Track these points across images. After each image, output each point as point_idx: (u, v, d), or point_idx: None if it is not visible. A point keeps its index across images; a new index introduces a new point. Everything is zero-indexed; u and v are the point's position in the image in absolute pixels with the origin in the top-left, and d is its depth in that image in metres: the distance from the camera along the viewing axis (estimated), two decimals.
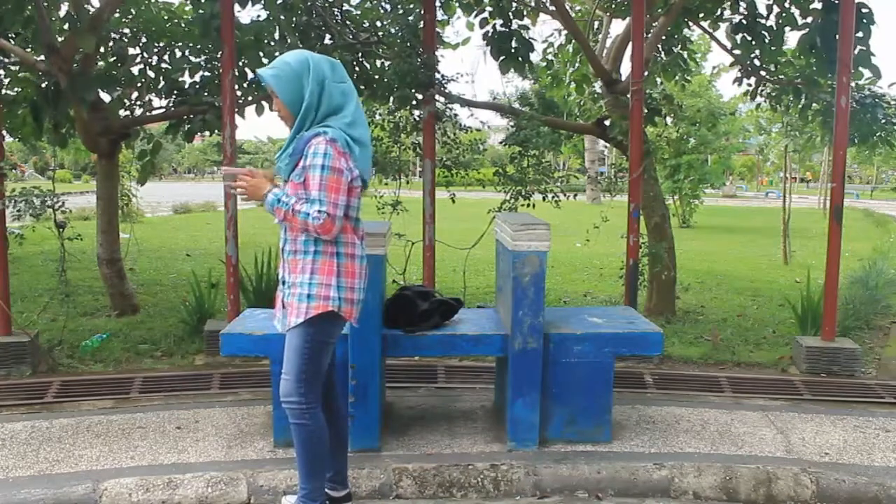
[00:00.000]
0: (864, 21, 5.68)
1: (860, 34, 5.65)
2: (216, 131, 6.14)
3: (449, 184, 6.06)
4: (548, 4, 6.85)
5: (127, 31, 6.28)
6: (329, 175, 2.70)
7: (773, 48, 6.61)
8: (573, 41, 7.50)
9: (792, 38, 6.55)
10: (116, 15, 5.96)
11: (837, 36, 5.12)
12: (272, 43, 6.11)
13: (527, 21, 6.70)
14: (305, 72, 2.79)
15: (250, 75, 6.20)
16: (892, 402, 4.49)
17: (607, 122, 6.57)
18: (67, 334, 5.37)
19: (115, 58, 6.28)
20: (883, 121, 6.79)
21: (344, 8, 6.58)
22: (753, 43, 6.67)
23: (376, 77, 6.51)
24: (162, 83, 6.38)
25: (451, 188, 6.03)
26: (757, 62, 6.92)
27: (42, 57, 5.46)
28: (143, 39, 6.29)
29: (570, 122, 8.01)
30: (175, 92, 6.35)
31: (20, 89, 6.02)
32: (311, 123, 2.82)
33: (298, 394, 2.86)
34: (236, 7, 5.44)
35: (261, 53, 5.96)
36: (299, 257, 2.82)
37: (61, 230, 5.26)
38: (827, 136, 7.59)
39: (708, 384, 4.74)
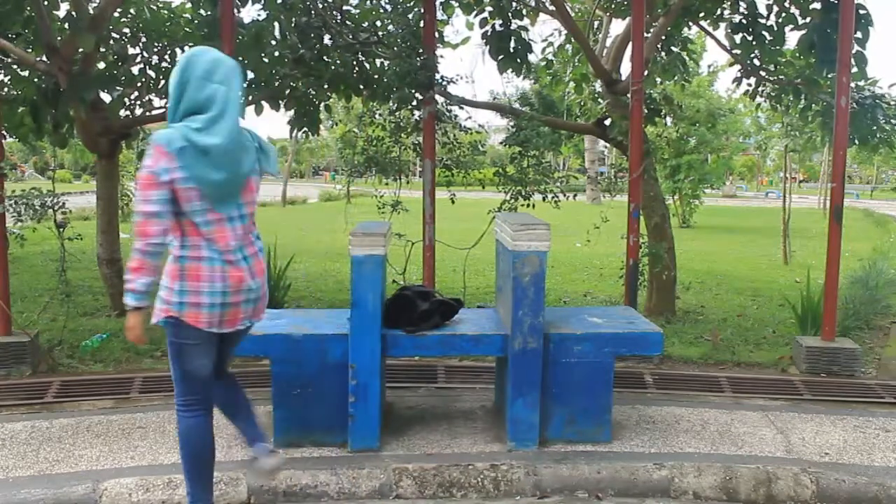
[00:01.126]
0: (863, 22, 5.68)
1: (858, 35, 5.65)
2: None
3: (449, 184, 6.06)
4: (548, 4, 6.84)
5: (127, 30, 6.28)
6: (144, 174, 2.65)
7: (773, 48, 6.61)
8: (573, 41, 7.50)
9: (792, 39, 6.57)
10: (116, 15, 5.96)
11: (836, 36, 5.12)
12: (272, 43, 6.11)
13: (526, 21, 6.70)
14: (179, 66, 2.75)
15: (250, 75, 6.20)
16: (892, 402, 4.50)
17: (607, 122, 6.57)
18: (67, 334, 5.37)
19: (115, 58, 6.28)
20: (883, 121, 6.79)
21: (344, 8, 6.58)
22: (754, 43, 6.67)
23: (376, 77, 6.51)
24: (162, 83, 6.38)
25: (451, 188, 6.03)
26: (757, 62, 6.91)
27: (42, 57, 5.46)
28: (143, 39, 6.29)
29: (570, 122, 8.01)
30: None
31: (20, 90, 6.03)
32: (172, 119, 2.75)
33: (176, 394, 2.86)
34: (236, 8, 5.45)
35: (261, 54, 5.96)
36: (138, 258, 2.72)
37: (61, 230, 5.25)
38: (827, 137, 7.58)
39: (708, 384, 4.74)
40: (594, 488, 3.43)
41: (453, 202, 6.06)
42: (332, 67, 6.43)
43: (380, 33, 6.39)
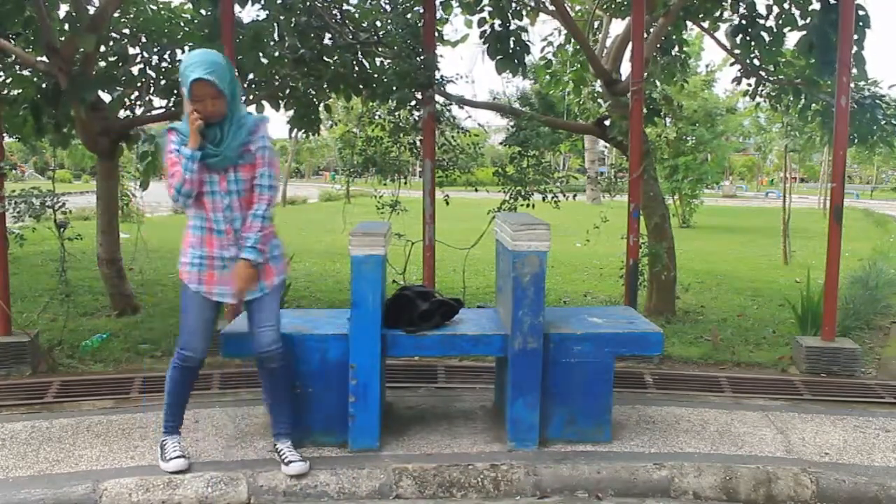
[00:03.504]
0: (861, 23, 5.67)
1: (855, 35, 5.64)
2: None
3: (442, 184, 6.03)
4: (547, 4, 6.84)
5: (127, 31, 6.27)
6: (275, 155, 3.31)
7: (772, 49, 6.61)
8: (573, 41, 7.50)
9: (791, 39, 6.57)
10: (116, 15, 5.96)
11: (835, 37, 5.12)
12: (272, 43, 6.10)
13: (526, 21, 6.70)
14: (228, 65, 3.20)
15: (250, 75, 6.19)
16: (892, 402, 4.50)
17: (607, 122, 6.57)
18: (67, 334, 5.37)
19: (115, 58, 6.27)
20: (882, 121, 6.79)
21: (344, 8, 6.57)
22: (752, 44, 6.67)
23: (376, 77, 6.50)
24: (162, 83, 6.38)
25: (446, 188, 5.99)
26: (756, 62, 6.91)
27: (42, 57, 5.46)
28: (143, 39, 6.29)
29: (570, 122, 8.01)
30: (175, 92, 6.35)
31: (20, 90, 6.02)
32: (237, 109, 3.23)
33: (280, 337, 3.39)
34: (236, 8, 5.44)
35: (260, 54, 5.96)
36: (267, 225, 3.29)
37: (62, 230, 5.25)
38: (826, 136, 7.59)
39: (708, 384, 4.74)
40: (594, 488, 3.43)
41: (447, 203, 6.02)
42: (332, 67, 6.42)
43: (380, 33, 6.38)
